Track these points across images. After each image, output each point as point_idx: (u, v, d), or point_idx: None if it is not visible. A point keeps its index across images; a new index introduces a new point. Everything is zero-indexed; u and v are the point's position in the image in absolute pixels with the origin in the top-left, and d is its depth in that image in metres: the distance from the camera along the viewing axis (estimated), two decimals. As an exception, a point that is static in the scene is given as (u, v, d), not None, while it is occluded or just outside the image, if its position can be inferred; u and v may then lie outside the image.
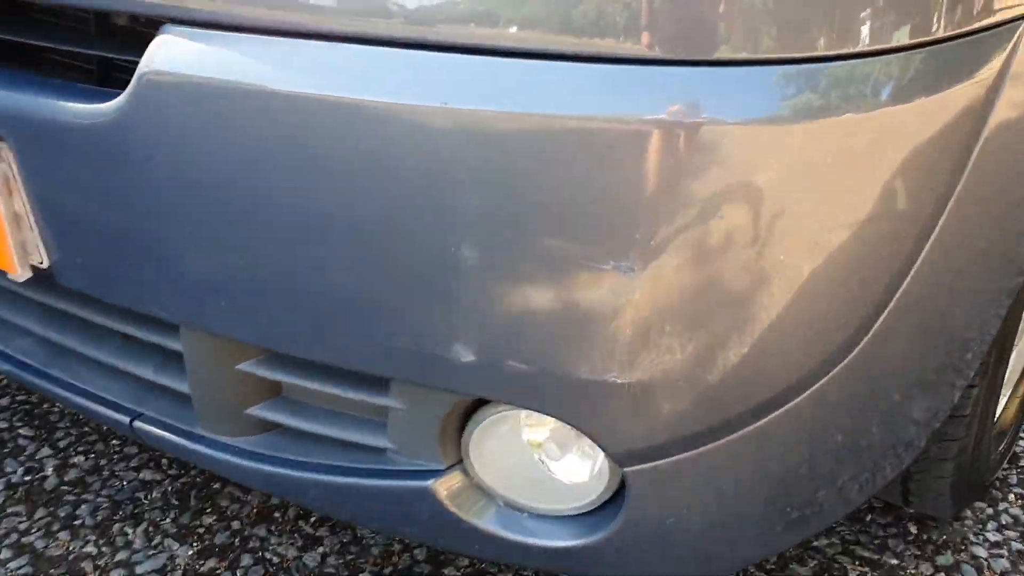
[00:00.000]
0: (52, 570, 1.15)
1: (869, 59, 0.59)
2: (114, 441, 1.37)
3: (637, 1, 0.56)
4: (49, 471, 1.31)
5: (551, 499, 0.80)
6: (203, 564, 1.16)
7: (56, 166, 0.76)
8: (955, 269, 0.74)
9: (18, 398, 1.45)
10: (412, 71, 0.62)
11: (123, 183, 0.73)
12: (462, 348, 0.68)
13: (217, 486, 1.29)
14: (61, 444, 1.36)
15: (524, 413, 0.76)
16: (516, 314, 0.65)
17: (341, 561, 1.18)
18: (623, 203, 0.60)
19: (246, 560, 1.18)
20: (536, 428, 0.78)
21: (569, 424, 0.71)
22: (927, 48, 0.61)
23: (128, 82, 0.70)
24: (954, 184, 0.67)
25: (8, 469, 1.31)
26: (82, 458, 1.34)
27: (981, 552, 1.23)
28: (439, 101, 0.61)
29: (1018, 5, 0.67)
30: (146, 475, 1.31)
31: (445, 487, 0.80)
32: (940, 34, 0.62)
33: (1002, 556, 1.22)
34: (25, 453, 1.34)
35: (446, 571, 1.16)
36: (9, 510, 1.24)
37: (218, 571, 1.15)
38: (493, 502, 0.82)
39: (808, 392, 0.71)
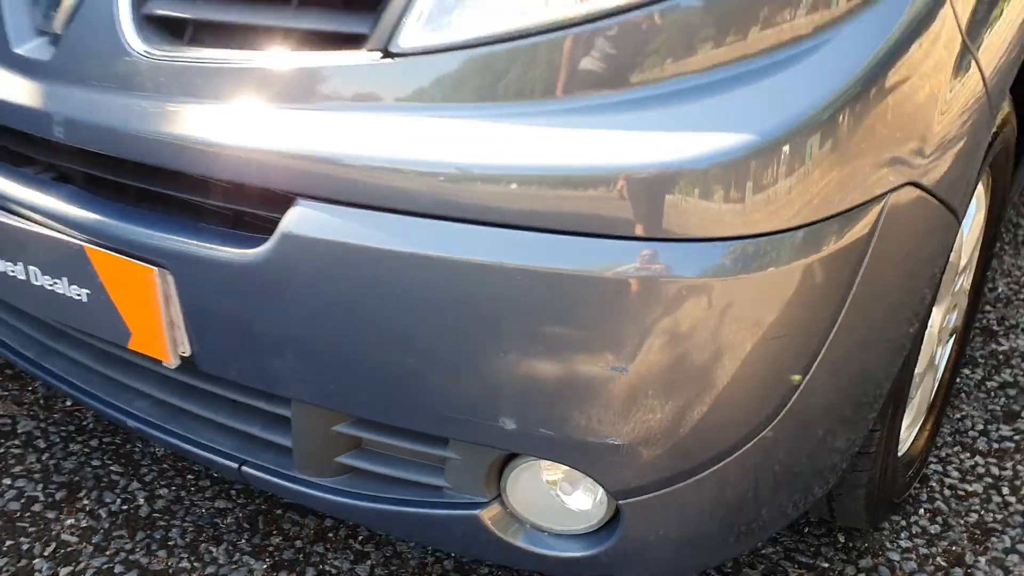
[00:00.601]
0: (159, 582, 1.44)
1: (773, 236, 0.91)
2: (189, 476, 1.66)
3: (628, 206, 0.88)
4: (141, 501, 1.60)
5: (565, 522, 1.12)
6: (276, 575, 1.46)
7: (208, 290, 1.07)
8: (846, 358, 1.06)
9: (105, 440, 1.74)
10: (474, 238, 0.93)
11: (260, 305, 1.04)
12: (506, 421, 0.99)
13: (279, 512, 1.59)
14: (147, 479, 1.65)
15: (545, 462, 1.07)
16: (543, 399, 0.96)
17: (386, 571, 1.48)
18: (618, 326, 0.91)
19: (310, 572, 1.47)
20: (553, 472, 1.10)
21: (579, 470, 1.02)
22: (810, 226, 0.93)
23: (261, 228, 1.00)
24: (840, 307, 0.99)
25: (107, 500, 1.60)
26: (166, 490, 1.63)
27: (895, 556, 1.55)
28: (496, 258, 0.92)
29: (877, 188, 0.98)
30: (220, 503, 1.61)
31: (488, 515, 1.11)
32: (820, 216, 0.94)
33: (911, 559, 1.55)
34: (119, 487, 1.63)
35: (473, 578, 1.47)
36: (115, 534, 1.53)
37: (292, 581, 1.46)
38: (523, 525, 1.13)
39: (752, 442, 1.03)
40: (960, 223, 1.20)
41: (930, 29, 0.99)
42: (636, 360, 0.93)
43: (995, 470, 1.74)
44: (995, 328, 2.16)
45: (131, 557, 1.49)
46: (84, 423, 1.77)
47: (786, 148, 0.90)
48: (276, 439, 1.22)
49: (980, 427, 1.86)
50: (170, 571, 1.46)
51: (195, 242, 1.05)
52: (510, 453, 1.07)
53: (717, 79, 0.93)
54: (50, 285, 1.18)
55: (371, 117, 0.97)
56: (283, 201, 1.00)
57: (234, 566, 1.48)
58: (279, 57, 1.02)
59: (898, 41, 0.96)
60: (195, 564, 1.48)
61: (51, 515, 1.56)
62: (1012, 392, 1.96)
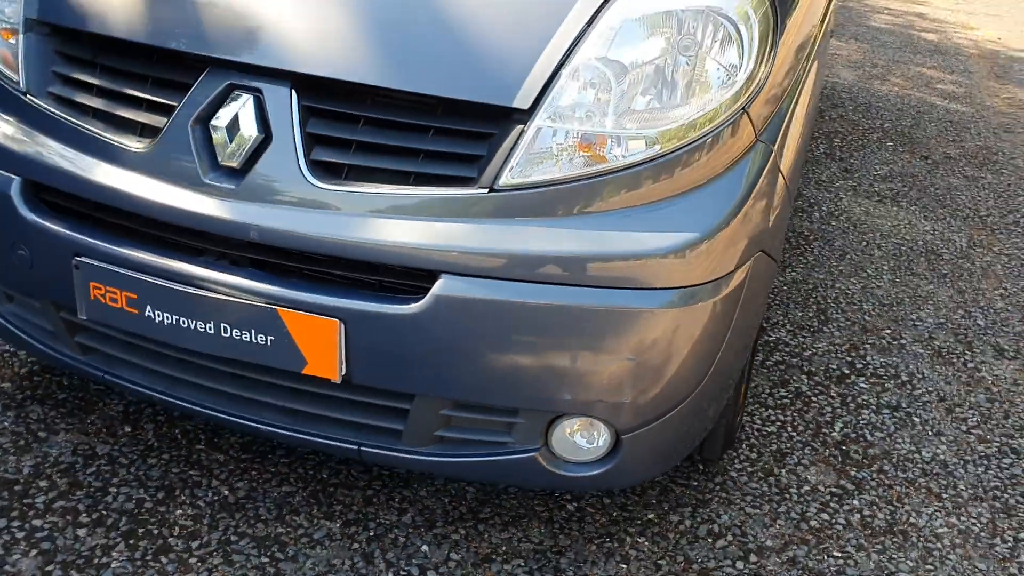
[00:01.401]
0: (274, 546, 2.04)
1: (698, 286, 1.72)
2: (253, 472, 2.25)
3: (629, 273, 1.66)
4: (226, 492, 2.17)
5: (583, 456, 1.87)
6: (350, 530, 2.10)
7: (372, 333, 1.72)
8: (733, 351, 1.90)
9: (172, 453, 2.28)
10: (546, 289, 1.67)
11: (415, 339, 1.71)
12: (567, 395, 1.74)
13: (331, 489, 2.21)
14: (221, 477, 2.22)
15: (572, 418, 1.82)
16: (591, 380, 1.72)
17: (422, 518, 2.16)
18: (629, 335, 1.69)
19: (371, 525, 2.12)
20: (576, 424, 1.85)
21: (601, 419, 1.78)
22: (718, 279, 1.75)
23: (408, 291, 1.68)
24: (731, 323, 1.83)
25: (199, 494, 2.16)
26: (241, 483, 2.21)
27: (733, 473, 2.43)
28: (563, 300, 1.67)
29: (748, 255, 1.82)
30: (285, 488, 2.21)
31: (541, 456, 1.85)
32: (723, 273, 1.76)
33: (743, 474, 2.42)
34: (203, 485, 2.19)
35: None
36: (217, 516, 2.10)
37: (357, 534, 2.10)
38: (559, 460, 1.87)
39: (691, 396, 1.83)
40: (778, 267, 2.08)
41: (766, 171, 1.86)
42: (637, 353, 1.71)
43: (781, 417, 2.68)
44: (764, 325, 3.13)
45: (239, 529, 2.07)
46: (149, 442, 2.30)
47: (706, 239, 1.72)
48: (387, 425, 1.88)
49: (767, 391, 2.79)
50: (272, 535, 2.06)
51: (365, 303, 1.71)
52: (558, 414, 1.81)
53: (667, 205, 1.73)
54: (238, 336, 1.78)
55: (482, 225, 1.69)
56: (429, 276, 1.69)
57: (316, 528, 2.10)
58: (415, 190, 1.70)
59: (754, 179, 1.82)
60: (287, 528, 2.09)
61: (162, 509, 2.11)
62: (782, 367, 2.92)
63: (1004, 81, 6.75)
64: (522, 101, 1.67)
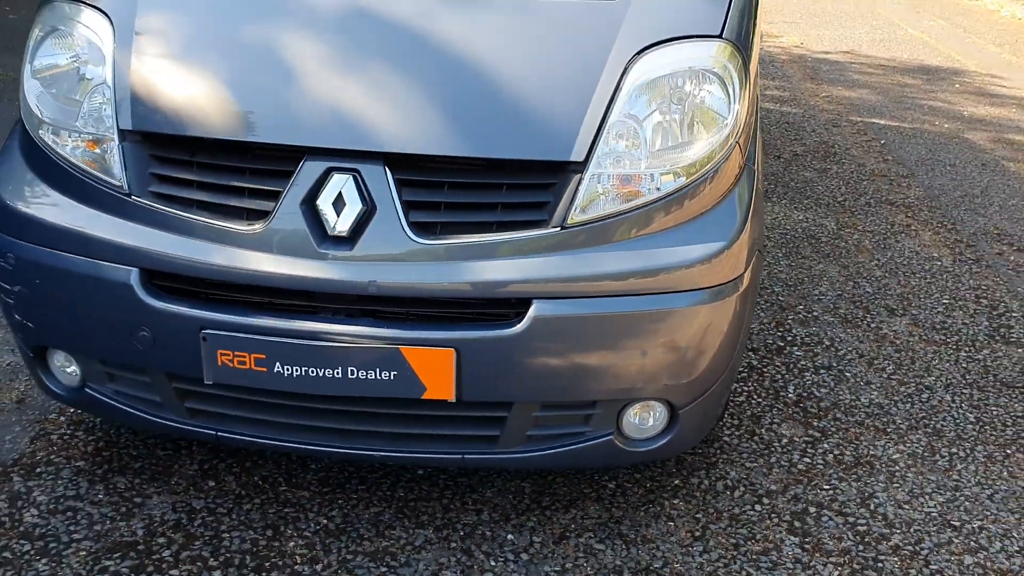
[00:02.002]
0: (386, 556, 2.37)
1: (724, 284, 2.20)
2: (339, 502, 2.55)
3: (672, 280, 2.12)
4: (325, 521, 2.47)
5: (649, 432, 2.30)
6: (443, 534, 2.45)
7: (480, 356, 2.10)
8: (746, 330, 2.38)
9: (261, 497, 2.56)
10: (613, 301, 2.11)
11: (513, 360, 2.10)
12: (642, 386, 2.17)
13: (412, 504, 2.55)
14: (314, 510, 2.52)
15: (642, 402, 2.25)
16: (658, 370, 2.16)
17: (474, 515, 2.53)
18: (683, 329, 2.15)
19: (459, 527, 2.48)
20: (638, 405, 2.28)
21: (664, 399, 2.22)
22: (737, 278, 2.24)
23: (504, 317, 2.08)
24: (747, 312, 2.31)
25: (303, 527, 2.45)
26: (335, 512, 2.51)
27: (724, 439, 2.92)
28: (630, 308, 2.11)
29: (752, 254, 2.31)
30: (373, 509, 2.52)
31: (615, 438, 2.27)
32: (739, 272, 2.25)
33: (733, 437, 2.92)
34: (303, 519, 2.48)
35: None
36: (327, 540, 2.41)
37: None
38: (631, 439, 2.30)
39: (723, 375, 2.30)
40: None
41: (755, 186, 2.36)
42: (688, 342, 2.17)
43: (745, 388, 3.19)
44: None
45: (351, 549, 2.39)
46: (236, 491, 2.57)
47: (728, 246, 2.20)
48: (486, 433, 2.25)
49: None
50: (380, 548, 2.39)
51: (473, 332, 2.09)
52: (629, 400, 2.23)
53: (695, 223, 2.19)
54: (364, 375, 2.11)
55: (559, 256, 2.10)
56: (523, 303, 2.09)
57: (414, 536, 2.44)
58: (501, 235, 2.10)
59: (749, 194, 2.31)
60: (390, 541, 2.41)
61: (277, 544, 2.39)
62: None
63: (818, 81, 7.67)
64: (577, 155, 2.10)
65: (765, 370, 3.31)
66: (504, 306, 2.11)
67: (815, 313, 3.75)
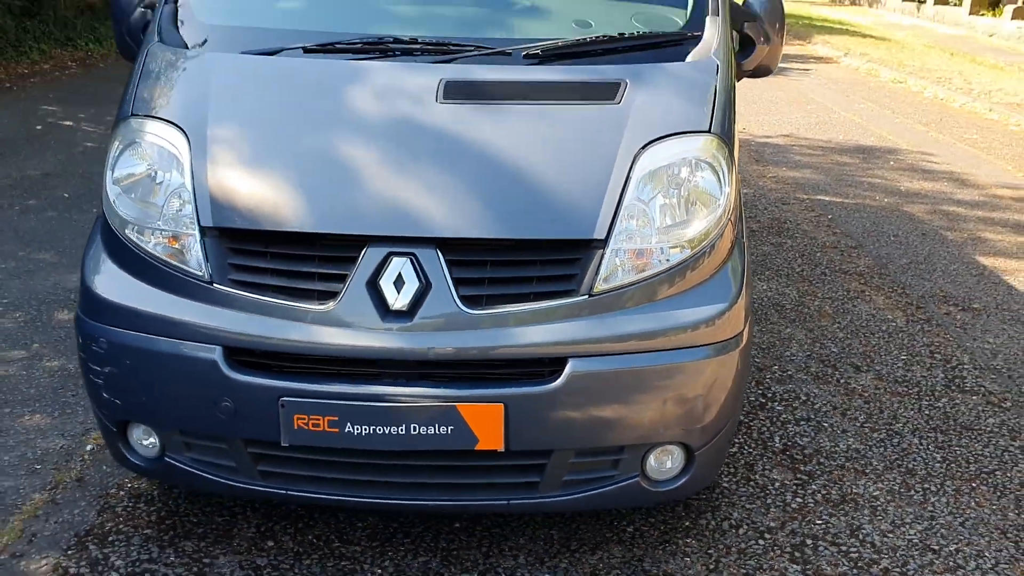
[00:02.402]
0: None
1: (728, 340, 2.58)
2: (389, 553, 2.83)
3: (689, 338, 2.48)
4: (379, 571, 2.75)
5: (668, 473, 2.63)
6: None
7: (525, 408, 2.43)
8: (746, 378, 2.75)
9: (320, 553, 2.82)
10: (641, 357, 2.46)
11: (553, 411, 2.43)
12: (661, 431, 2.51)
13: (454, 551, 2.83)
14: (368, 561, 2.79)
15: (663, 446, 2.59)
16: (686, 418, 2.50)
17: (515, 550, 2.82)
18: (701, 379, 2.50)
19: (504, 562, 2.77)
20: (659, 449, 2.61)
21: (684, 443, 2.56)
22: (738, 334, 2.61)
23: (542, 374, 2.41)
24: (746, 360, 2.68)
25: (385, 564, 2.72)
26: (387, 563, 2.79)
27: (724, 484, 3.25)
28: (656, 363, 2.46)
29: (748, 315, 2.68)
30: (421, 559, 2.80)
31: (640, 480, 2.59)
32: (738, 330, 2.62)
33: (726, 481, 3.25)
34: (358, 571, 2.75)
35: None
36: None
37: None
38: (654, 480, 2.62)
39: (731, 418, 2.65)
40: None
41: (745, 255, 2.75)
42: (704, 390, 2.52)
43: (736, 440, 3.54)
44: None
45: (409, 591, 2.66)
46: (294, 549, 2.82)
47: (730, 307, 2.57)
48: (528, 480, 2.56)
49: (721, 423, 3.65)
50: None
51: (519, 388, 2.42)
52: (653, 445, 2.56)
53: (701, 288, 2.57)
54: (423, 431, 2.42)
55: (589, 320, 2.45)
56: (561, 361, 2.43)
57: (488, 565, 2.72)
58: (538, 304, 2.45)
59: (741, 262, 2.70)
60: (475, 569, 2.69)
61: (340, 591, 2.66)
62: (720, 405, 3.79)
63: (764, 163, 8.23)
64: (599, 233, 2.47)
65: (752, 424, 3.66)
66: (544, 365, 2.44)
67: (789, 372, 4.14)
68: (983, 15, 25.89)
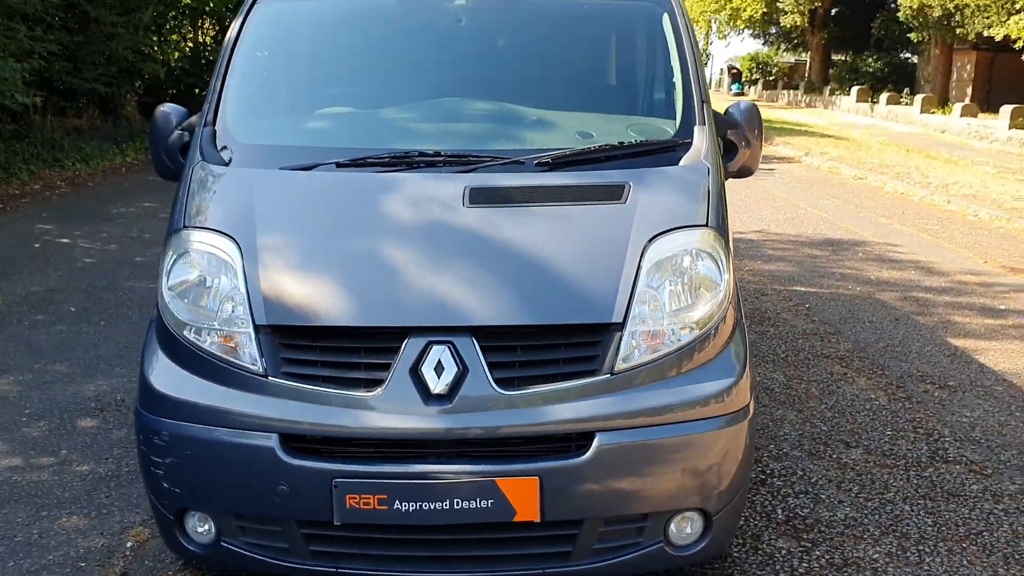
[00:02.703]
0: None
1: (735, 412, 2.84)
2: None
3: (696, 413, 2.75)
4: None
5: (688, 539, 2.86)
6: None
7: (558, 480, 2.66)
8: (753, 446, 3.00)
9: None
10: (662, 430, 2.72)
11: (583, 482, 2.67)
12: (682, 498, 2.75)
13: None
14: (409, 636, 2.96)
15: (684, 512, 2.82)
16: (706, 487, 2.75)
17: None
18: (713, 451, 2.76)
19: (533, 638, 2.95)
20: (679, 516, 2.84)
21: (702, 508, 2.80)
22: (744, 408, 2.87)
23: (572, 448, 2.66)
24: (752, 429, 2.94)
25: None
26: (426, 636, 2.95)
27: (734, 554, 3.46)
28: (685, 432, 2.72)
29: (748, 393, 2.95)
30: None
31: (664, 545, 2.81)
32: (744, 404, 2.89)
33: (735, 552, 3.47)
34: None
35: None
36: (431, 657, 2.85)
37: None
38: (676, 545, 2.84)
39: (744, 483, 2.90)
40: (751, 396, 3.23)
41: (746, 332, 3.04)
42: (720, 458, 2.77)
43: (742, 514, 3.77)
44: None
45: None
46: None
47: (739, 380, 2.85)
48: (560, 549, 2.77)
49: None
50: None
51: (552, 462, 2.66)
52: (674, 511, 2.79)
53: (710, 365, 2.84)
54: (466, 505, 2.64)
55: (612, 397, 2.71)
56: (589, 435, 2.67)
57: (499, 648, 2.89)
58: (562, 382, 2.70)
59: (743, 340, 2.98)
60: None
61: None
62: (723, 482, 4.02)
63: (739, 258, 8.61)
64: (617, 317, 2.74)
65: (755, 499, 3.89)
66: (573, 440, 2.69)
67: (784, 450, 4.39)
68: (934, 113, 27.10)
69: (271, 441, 2.67)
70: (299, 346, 2.74)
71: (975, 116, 24.38)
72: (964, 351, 5.97)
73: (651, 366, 2.76)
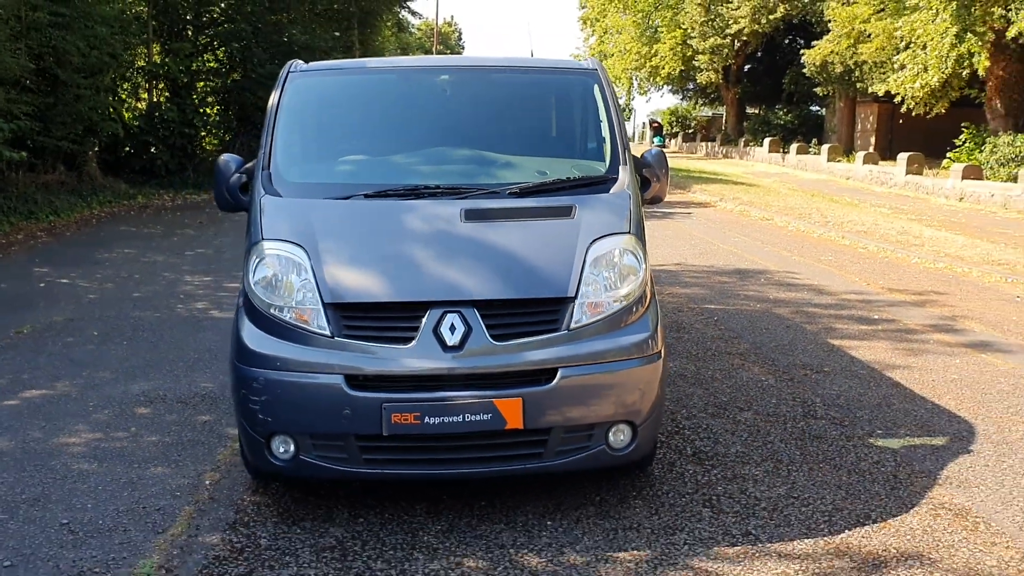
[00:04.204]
0: (483, 539, 4.09)
1: (655, 353, 4.19)
2: (445, 513, 4.26)
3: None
4: (440, 527, 4.18)
5: (622, 444, 4.16)
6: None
7: (534, 400, 3.95)
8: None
9: (389, 527, 4.24)
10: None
11: (552, 402, 3.97)
12: (620, 411, 4.09)
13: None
14: (427, 525, 4.22)
15: (617, 424, 4.14)
16: (625, 404, 4.09)
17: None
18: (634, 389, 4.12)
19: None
20: (616, 425, 4.16)
21: (631, 424, 4.12)
22: (657, 352, 4.23)
23: (547, 378, 3.97)
24: (666, 366, 4.29)
25: (427, 526, 4.15)
26: (443, 522, 4.22)
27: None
28: (620, 368, 4.06)
29: (661, 340, 4.30)
30: (474, 520, 4.25)
31: (606, 447, 4.12)
32: (657, 350, 4.24)
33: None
34: (419, 529, 4.18)
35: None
36: (449, 534, 4.12)
37: None
38: (614, 448, 4.15)
39: (660, 403, 4.23)
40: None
41: (658, 301, 4.41)
42: (645, 385, 4.11)
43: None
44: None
45: (467, 533, 4.10)
46: (380, 523, 4.24)
47: (655, 332, 4.21)
48: (536, 451, 4.06)
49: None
50: (484, 530, 4.11)
51: (530, 388, 3.95)
52: (613, 422, 4.10)
53: (637, 323, 4.20)
54: (472, 418, 3.91)
55: (570, 345, 4.03)
56: (555, 371, 4.00)
57: (508, 521, 4.17)
58: (539, 336, 4.02)
59: (656, 307, 4.36)
60: (489, 523, 4.14)
61: (412, 527, 4.08)
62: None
63: (662, 284, 10.06)
64: (571, 292, 4.08)
65: (671, 442, 5.22)
66: (544, 374, 4.00)
67: (693, 413, 5.75)
68: (839, 161, 29.31)
69: (339, 380, 3.93)
70: (355, 316, 4.02)
71: (876, 163, 26.56)
72: (839, 348, 7.44)
73: (594, 325, 4.09)
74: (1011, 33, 18.82)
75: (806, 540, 4.08)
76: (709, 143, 47.34)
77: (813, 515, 4.33)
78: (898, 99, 23.60)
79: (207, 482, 4.68)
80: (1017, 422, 5.68)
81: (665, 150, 53.98)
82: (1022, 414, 5.85)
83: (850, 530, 4.18)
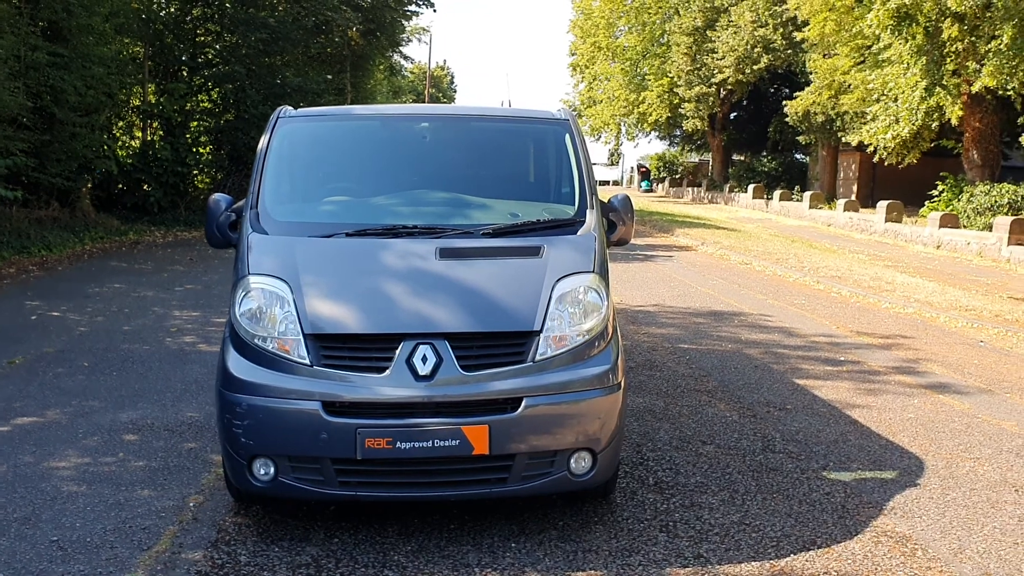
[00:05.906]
0: (446, 556, 4.34)
1: (613, 384, 4.49)
2: (416, 535, 4.51)
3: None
4: (408, 548, 4.43)
5: (582, 470, 4.43)
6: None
7: (500, 428, 4.23)
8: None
9: (360, 543, 4.49)
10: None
11: (517, 430, 4.25)
12: (580, 439, 4.37)
13: (455, 530, 4.54)
14: (397, 545, 4.47)
15: (579, 451, 4.41)
16: (585, 433, 4.38)
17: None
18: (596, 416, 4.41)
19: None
20: (577, 453, 4.44)
21: (591, 451, 4.40)
22: (615, 384, 4.53)
23: (512, 407, 4.25)
24: (624, 396, 4.58)
25: (397, 547, 4.40)
26: (412, 544, 4.47)
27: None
28: (581, 398, 4.35)
29: (620, 374, 4.59)
30: (443, 541, 4.50)
31: (568, 473, 4.39)
32: (616, 382, 4.54)
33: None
34: (389, 549, 4.43)
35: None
36: (418, 554, 4.37)
37: None
38: (574, 474, 4.42)
39: (619, 432, 4.51)
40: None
41: (620, 338, 4.71)
42: (604, 415, 4.40)
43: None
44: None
45: (432, 553, 4.36)
46: (352, 543, 4.49)
47: (614, 366, 4.51)
48: (501, 476, 4.33)
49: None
50: (453, 551, 4.37)
51: (496, 416, 4.23)
52: (575, 449, 4.38)
53: (598, 356, 4.50)
54: (441, 444, 4.18)
55: (534, 376, 4.32)
56: (519, 400, 4.28)
57: (464, 552, 4.43)
58: (505, 368, 4.31)
59: (618, 342, 4.66)
60: (458, 545, 4.39)
61: (382, 544, 4.33)
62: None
63: (638, 324, 10.37)
64: (537, 326, 4.38)
65: (634, 472, 5.49)
66: (510, 403, 4.28)
67: (658, 446, 6.02)
68: (821, 208, 29.80)
69: (316, 406, 4.20)
70: (333, 346, 4.31)
71: (856, 211, 27.07)
72: (803, 387, 7.74)
73: (558, 357, 4.38)
74: (975, 88, 19.39)
75: (753, 563, 4.34)
76: (695, 188, 47.98)
77: (762, 540, 4.59)
78: (870, 149, 24.16)
79: (191, 504, 4.92)
80: (966, 459, 5.97)
81: (652, 194, 54.61)
82: (971, 451, 6.14)
83: (795, 554, 4.45)
